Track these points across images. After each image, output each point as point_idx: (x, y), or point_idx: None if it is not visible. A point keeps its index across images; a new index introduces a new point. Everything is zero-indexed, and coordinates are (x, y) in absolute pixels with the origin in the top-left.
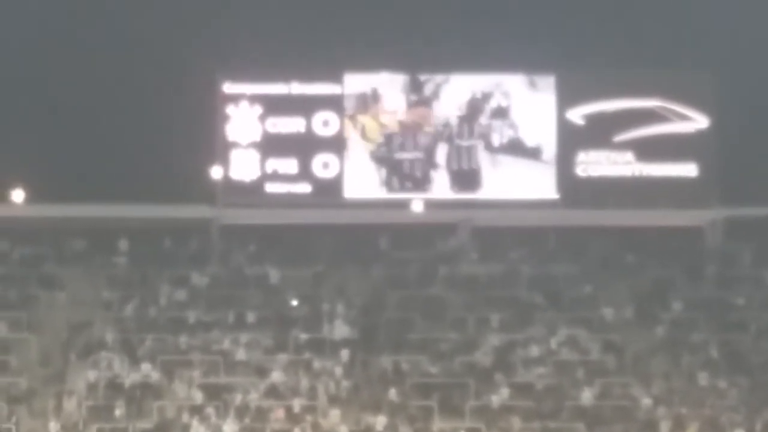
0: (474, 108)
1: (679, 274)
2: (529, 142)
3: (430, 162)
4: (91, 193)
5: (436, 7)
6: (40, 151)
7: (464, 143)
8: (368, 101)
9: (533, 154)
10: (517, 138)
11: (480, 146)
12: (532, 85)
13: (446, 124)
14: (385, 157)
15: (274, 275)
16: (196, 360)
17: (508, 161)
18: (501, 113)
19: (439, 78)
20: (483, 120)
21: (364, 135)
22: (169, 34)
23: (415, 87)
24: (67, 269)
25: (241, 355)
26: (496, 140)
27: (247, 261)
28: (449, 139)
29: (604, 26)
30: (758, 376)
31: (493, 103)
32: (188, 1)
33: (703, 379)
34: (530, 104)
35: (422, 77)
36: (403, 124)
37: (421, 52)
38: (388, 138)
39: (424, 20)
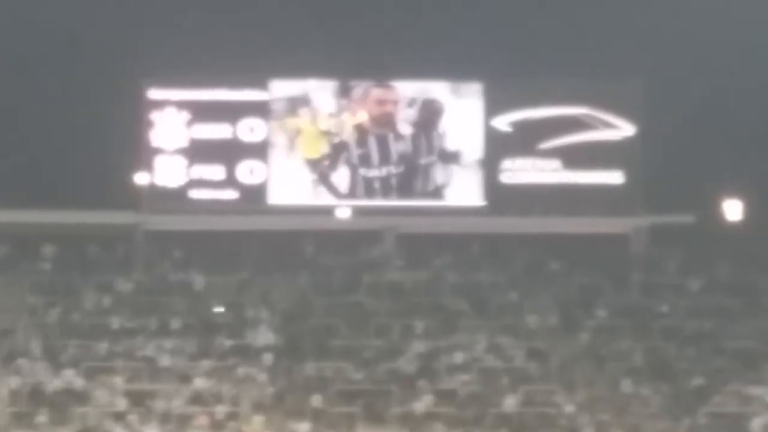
0: (400, 114)
1: (604, 281)
2: (455, 149)
3: (356, 168)
4: (15, 198)
5: (364, 13)
6: None
7: (391, 150)
8: (296, 107)
9: (459, 161)
10: (443, 145)
11: (406, 153)
12: (459, 92)
13: (373, 131)
14: (311, 164)
15: (198, 281)
16: (119, 366)
17: (433, 168)
18: (427, 120)
19: (365, 84)
20: (408, 126)
21: (293, 142)
22: (94, 40)
23: (343, 93)
24: None
25: (164, 361)
26: (422, 147)
27: (172, 267)
28: (376, 146)
29: (531, 34)
30: (681, 384)
31: (418, 109)
32: (113, 7)
33: (626, 386)
34: (457, 111)
35: (350, 83)
36: (329, 131)
37: (349, 59)
38: (317, 144)
39: (353, 26)
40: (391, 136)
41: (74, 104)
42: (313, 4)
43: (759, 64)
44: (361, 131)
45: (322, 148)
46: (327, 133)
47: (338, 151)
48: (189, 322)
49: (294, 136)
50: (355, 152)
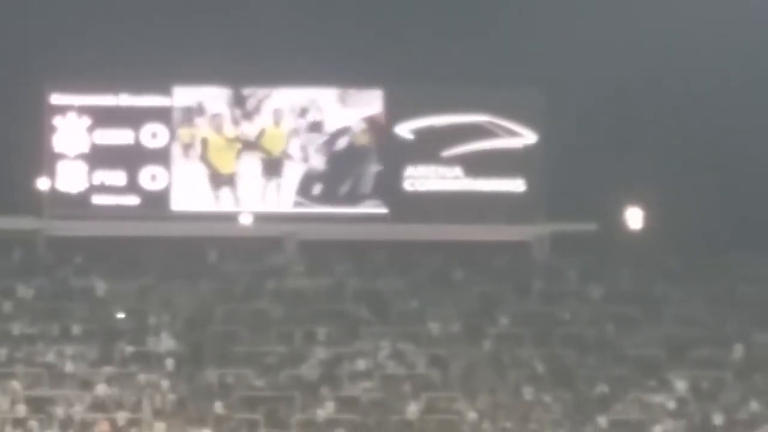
0: (300, 122)
1: (506, 288)
2: (357, 156)
3: (258, 175)
4: None
5: (267, 21)
6: None
7: (293, 157)
8: (195, 114)
9: (361, 168)
10: (345, 152)
11: (308, 160)
12: (360, 98)
13: (274, 139)
14: (214, 169)
15: (100, 287)
16: (19, 372)
17: (336, 175)
18: (328, 126)
19: (263, 92)
20: (309, 133)
21: (197, 149)
22: None
23: (240, 101)
24: None
25: (65, 367)
26: (323, 154)
27: (74, 273)
28: (278, 153)
29: (433, 41)
30: (583, 391)
31: (319, 117)
32: (15, 11)
33: (528, 393)
34: (359, 118)
35: (245, 91)
36: (229, 138)
37: (248, 66)
38: (219, 151)
39: (252, 34)
40: (295, 143)
41: None
42: (213, 10)
43: (660, 71)
44: (261, 139)
45: (231, 159)
46: (232, 142)
47: (242, 159)
48: (90, 328)
49: (199, 144)
50: (258, 159)
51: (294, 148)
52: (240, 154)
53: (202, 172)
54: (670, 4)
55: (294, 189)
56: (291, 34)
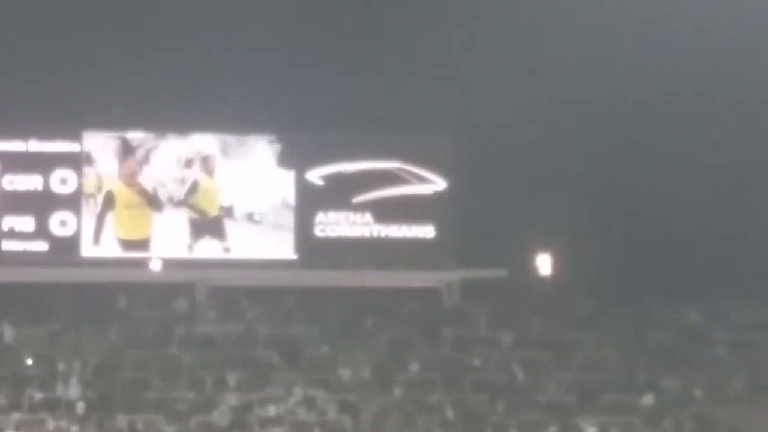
0: (212, 168)
1: (416, 334)
2: (267, 202)
3: (167, 221)
4: None
5: (175, 66)
6: None
7: (201, 204)
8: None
9: (271, 214)
10: (256, 198)
11: (217, 206)
12: (269, 145)
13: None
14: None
15: (9, 334)
16: None
17: (245, 221)
18: (236, 173)
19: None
20: (222, 179)
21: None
22: None
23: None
24: None
25: None
26: (233, 200)
27: None
28: (186, 199)
29: (345, 88)
30: None
31: (229, 164)
32: None
33: None
34: (270, 165)
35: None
36: (137, 183)
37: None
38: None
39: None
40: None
41: None
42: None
43: (567, 119)
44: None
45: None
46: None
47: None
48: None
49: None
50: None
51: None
52: (153, 199)
53: (113, 220)
54: (573, 54)
55: (204, 235)
56: (201, 81)
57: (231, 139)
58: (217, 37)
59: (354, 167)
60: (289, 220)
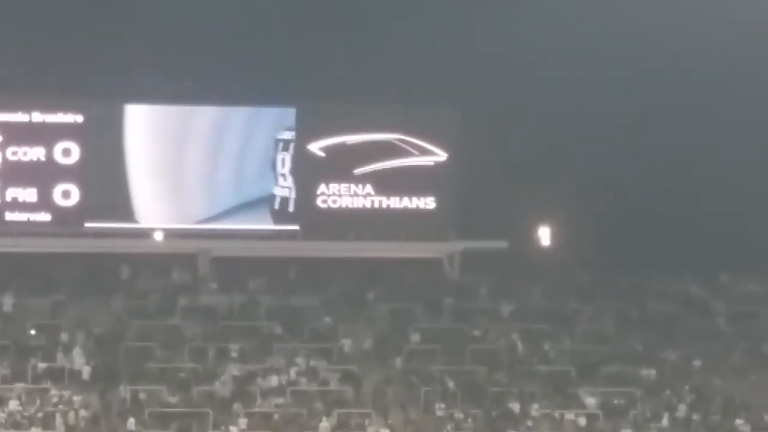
0: (216, 140)
1: (417, 305)
2: (270, 172)
3: (170, 192)
4: None
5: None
6: None
7: (206, 173)
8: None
9: (273, 185)
10: (258, 169)
11: (217, 177)
12: (272, 116)
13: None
14: (125, 187)
15: (12, 304)
16: None
17: (248, 192)
18: (240, 146)
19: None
20: (224, 151)
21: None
22: None
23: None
24: None
25: None
26: (236, 171)
27: None
28: (192, 170)
29: (346, 60)
30: (493, 407)
31: (233, 136)
32: None
33: (439, 409)
34: (270, 136)
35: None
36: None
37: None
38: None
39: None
40: (211, 159)
41: None
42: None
43: (569, 91)
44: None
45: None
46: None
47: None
48: (2, 344)
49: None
50: (170, 177)
51: (210, 164)
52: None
53: (116, 188)
54: (585, 21)
55: (207, 205)
56: (209, 53)
57: (232, 110)
58: (223, 11)
59: (355, 139)
60: (292, 191)
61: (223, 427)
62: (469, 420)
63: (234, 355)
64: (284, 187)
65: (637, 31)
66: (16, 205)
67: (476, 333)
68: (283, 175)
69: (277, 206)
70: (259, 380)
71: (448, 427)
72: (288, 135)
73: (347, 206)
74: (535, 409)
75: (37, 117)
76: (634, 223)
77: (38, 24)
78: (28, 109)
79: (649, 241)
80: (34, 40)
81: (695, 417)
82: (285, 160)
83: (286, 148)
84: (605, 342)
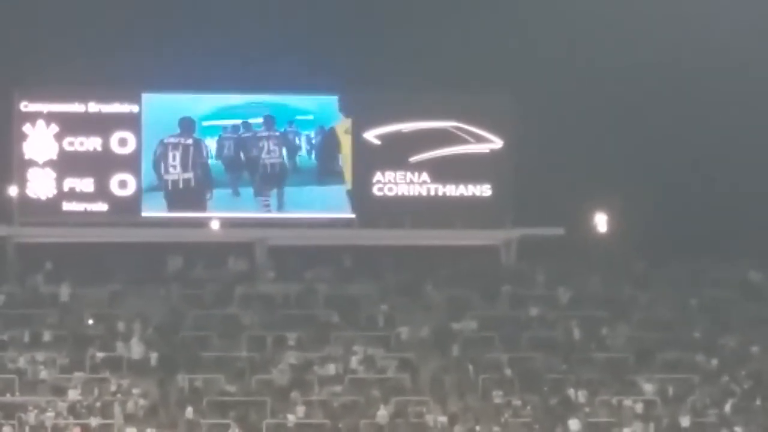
0: (270, 127)
1: (474, 292)
2: (326, 161)
3: (227, 181)
4: None
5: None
6: None
7: (263, 162)
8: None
9: (330, 173)
10: (314, 157)
11: (277, 165)
12: (328, 105)
13: (247, 142)
14: (183, 176)
15: (70, 294)
16: None
17: (305, 180)
18: (298, 133)
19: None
20: (282, 139)
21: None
22: None
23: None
24: None
25: (37, 373)
26: (293, 160)
27: (44, 279)
28: (248, 159)
29: (402, 48)
30: (551, 394)
31: (291, 123)
32: None
33: (497, 396)
34: (328, 124)
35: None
36: (204, 143)
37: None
38: (186, 157)
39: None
40: (265, 147)
41: None
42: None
43: (627, 76)
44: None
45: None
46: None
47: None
48: (61, 334)
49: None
50: (228, 165)
51: (268, 152)
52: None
53: (172, 178)
54: (638, 8)
55: (264, 194)
56: (258, 41)
57: (289, 98)
58: None
59: (411, 126)
60: (348, 179)
61: (281, 416)
62: (527, 407)
63: (291, 343)
64: (341, 175)
65: (694, 14)
66: (73, 195)
67: (533, 320)
68: (340, 163)
69: (333, 195)
70: (316, 368)
71: (506, 415)
72: (344, 123)
73: (403, 194)
74: (593, 396)
75: (93, 107)
76: (690, 209)
77: (94, 14)
78: (84, 99)
79: (706, 227)
80: (90, 31)
81: (753, 403)
82: (340, 149)
83: (341, 137)
84: (663, 328)
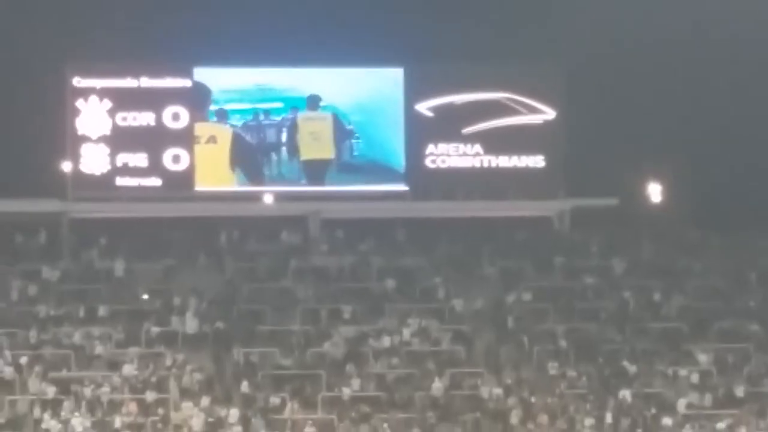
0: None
1: (528, 264)
2: (379, 133)
3: (279, 155)
4: None
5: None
6: None
7: (314, 135)
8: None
9: (382, 145)
10: (367, 129)
11: (329, 138)
12: (380, 77)
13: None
14: (236, 150)
15: (125, 269)
16: (47, 354)
17: (357, 152)
18: (350, 105)
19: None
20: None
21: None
22: (17, 29)
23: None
24: None
25: (92, 348)
26: (345, 132)
27: (98, 255)
28: (297, 132)
29: (452, 20)
30: (606, 365)
31: (344, 96)
32: None
33: (552, 368)
34: (379, 96)
35: (276, 70)
36: (255, 118)
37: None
38: (240, 131)
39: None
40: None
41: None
42: None
43: (682, 46)
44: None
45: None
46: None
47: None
48: (116, 309)
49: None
50: (278, 139)
51: (312, 125)
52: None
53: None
54: None
55: (317, 167)
56: (312, 15)
57: (342, 71)
58: None
59: (463, 98)
60: (401, 151)
61: (336, 389)
62: (583, 378)
63: (346, 316)
64: (393, 148)
65: None
66: (127, 171)
67: (588, 291)
68: (392, 136)
69: (386, 167)
70: (371, 341)
71: (561, 386)
72: (397, 95)
73: (456, 166)
74: (647, 366)
75: (145, 82)
76: (744, 179)
77: None
78: (136, 74)
79: (760, 197)
80: (141, 4)
81: None
82: (394, 121)
83: (395, 108)
84: (717, 298)
